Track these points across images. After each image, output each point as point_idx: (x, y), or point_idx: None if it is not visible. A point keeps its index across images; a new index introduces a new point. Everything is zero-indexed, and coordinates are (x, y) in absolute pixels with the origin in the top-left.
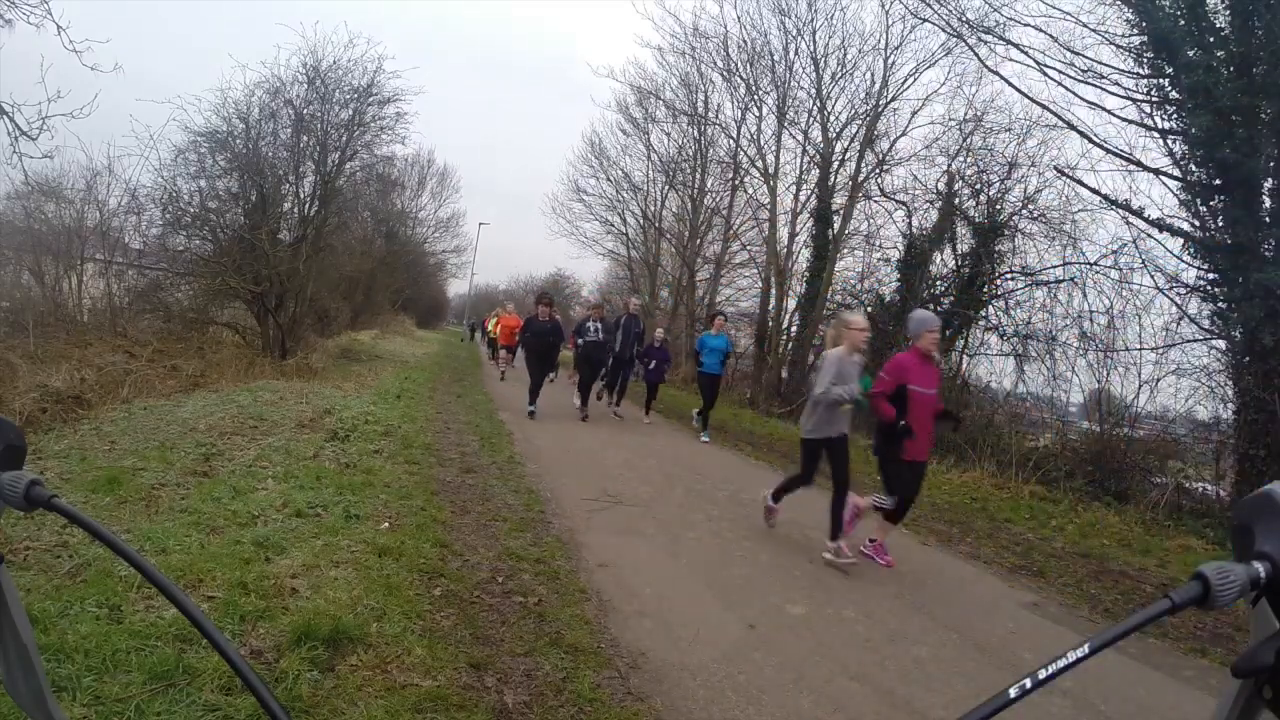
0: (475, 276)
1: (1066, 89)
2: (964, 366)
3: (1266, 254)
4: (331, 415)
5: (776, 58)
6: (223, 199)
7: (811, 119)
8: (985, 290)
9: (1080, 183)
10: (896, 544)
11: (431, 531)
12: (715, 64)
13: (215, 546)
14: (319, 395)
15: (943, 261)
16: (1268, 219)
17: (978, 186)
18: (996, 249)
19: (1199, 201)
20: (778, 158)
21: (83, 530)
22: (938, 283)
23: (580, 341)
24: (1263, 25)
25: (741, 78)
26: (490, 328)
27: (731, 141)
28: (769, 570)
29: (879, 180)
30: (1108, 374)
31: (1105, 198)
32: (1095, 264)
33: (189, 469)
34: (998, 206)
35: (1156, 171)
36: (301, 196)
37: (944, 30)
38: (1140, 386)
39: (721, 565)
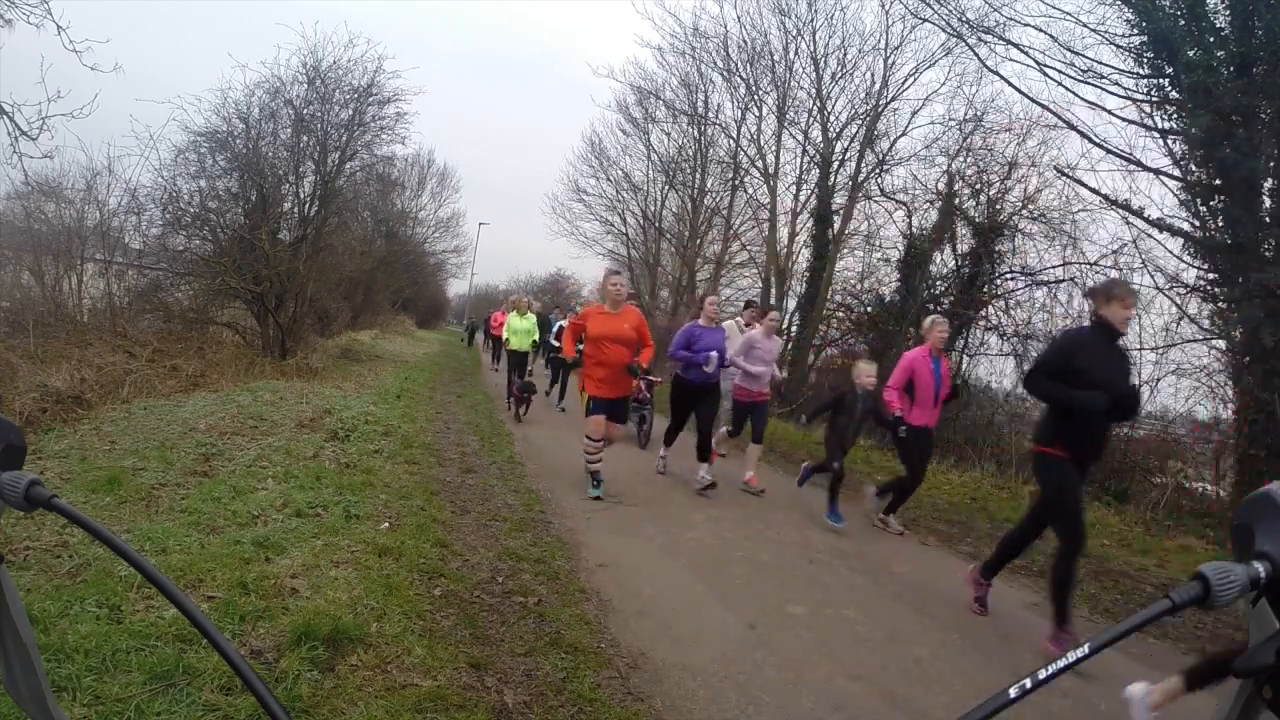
0: (475, 276)
1: (1066, 89)
2: (964, 366)
3: (1266, 254)
4: (331, 415)
5: (776, 58)
6: (223, 199)
7: (811, 119)
8: (985, 290)
9: (1080, 183)
10: (897, 546)
11: (431, 531)
12: (715, 64)
13: (215, 546)
14: (319, 395)
15: (943, 261)
16: (1268, 219)
17: (978, 186)
18: (996, 249)
19: (1199, 201)
20: (778, 158)
21: (82, 530)
22: (938, 283)
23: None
24: (1263, 25)
25: (741, 78)
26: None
27: (731, 141)
28: (769, 570)
29: (879, 180)
30: None
31: (1105, 198)
32: (1095, 264)
33: (189, 469)
34: (998, 206)
35: (1156, 171)
36: (301, 196)
37: (944, 30)
38: (1140, 386)
39: (721, 565)
